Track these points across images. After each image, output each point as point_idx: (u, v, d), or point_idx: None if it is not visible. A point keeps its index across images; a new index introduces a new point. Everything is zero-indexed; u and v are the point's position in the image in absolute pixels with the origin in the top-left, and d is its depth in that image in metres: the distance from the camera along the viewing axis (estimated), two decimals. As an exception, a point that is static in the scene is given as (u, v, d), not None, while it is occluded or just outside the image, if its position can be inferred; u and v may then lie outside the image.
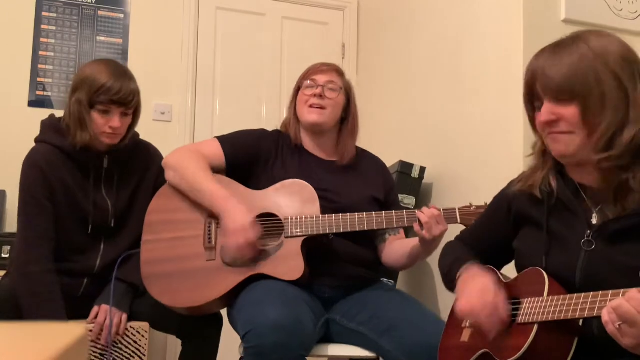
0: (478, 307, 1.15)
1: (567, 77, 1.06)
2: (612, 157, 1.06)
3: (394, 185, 1.98)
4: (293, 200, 1.70)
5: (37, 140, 1.80)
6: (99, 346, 1.71)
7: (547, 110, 1.09)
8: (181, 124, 3.16)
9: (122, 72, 1.75)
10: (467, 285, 1.23)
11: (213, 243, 1.70)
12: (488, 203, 1.62)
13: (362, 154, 1.95)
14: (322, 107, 1.82)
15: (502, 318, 1.14)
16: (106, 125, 1.71)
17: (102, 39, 3.09)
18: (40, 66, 2.98)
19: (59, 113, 1.85)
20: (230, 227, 1.63)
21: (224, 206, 1.66)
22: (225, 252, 1.67)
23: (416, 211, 1.64)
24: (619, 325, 0.91)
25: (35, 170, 1.71)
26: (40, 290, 1.67)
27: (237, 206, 1.65)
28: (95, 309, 1.73)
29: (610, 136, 1.05)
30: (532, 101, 1.15)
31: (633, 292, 0.90)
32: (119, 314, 1.72)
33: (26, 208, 1.72)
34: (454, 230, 1.64)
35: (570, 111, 1.07)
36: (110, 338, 1.69)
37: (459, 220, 1.64)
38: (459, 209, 1.65)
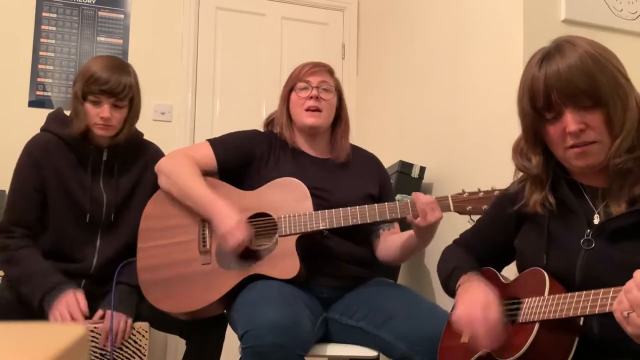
0: (478, 319, 1.13)
1: (590, 82, 1.04)
2: (634, 158, 1.05)
3: (388, 179, 1.98)
4: (286, 199, 1.70)
5: (41, 130, 1.83)
6: (99, 346, 1.71)
7: (576, 120, 1.06)
8: (181, 124, 3.16)
9: (116, 65, 1.77)
10: (467, 294, 1.21)
11: (208, 247, 1.70)
12: (481, 189, 1.62)
13: (355, 150, 1.95)
14: (318, 110, 1.82)
15: (499, 336, 1.12)
16: (97, 116, 1.73)
17: (102, 39, 3.09)
18: (40, 66, 2.98)
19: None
20: (220, 230, 1.64)
21: (212, 210, 1.67)
22: (223, 254, 1.68)
23: (412, 194, 1.63)
24: (628, 314, 0.90)
25: (29, 158, 1.75)
26: (20, 256, 1.71)
27: (226, 209, 1.65)
28: (99, 312, 1.72)
29: (632, 138, 1.05)
30: (542, 113, 1.10)
31: None
32: (125, 318, 1.71)
33: (12, 192, 1.77)
34: (448, 219, 1.64)
35: (595, 118, 1.06)
36: (112, 343, 1.68)
37: (452, 208, 1.63)
38: (451, 197, 1.64)
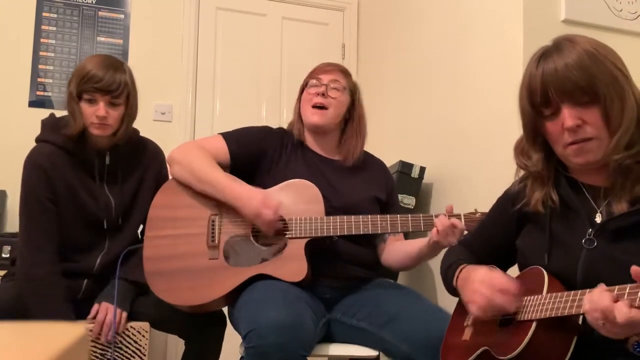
0: (487, 297, 1.14)
1: (587, 78, 1.05)
2: (633, 155, 1.05)
3: (395, 187, 1.99)
4: (298, 201, 1.70)
5: (37, 140, 1.80)
6: (99, 346, 1.71)
7: (573, 115, 1.06)
8: (181, 124, 3.16)
9: (110, 63, 1.75)
10: (467, 286, 1.22)
11: (216, 241, 1.70)
12: (484, 211, 1.62)
13: (366, 156, 1.95)
14: (324, 107, 1.82)
15: (512, 291, 1.13)
16: (93, 115, 1.72)
17: (103, 39, 3.10)
18: (40, 66, 2.98)
19: (59, 113, 1.86)
20: (252, 209, 1.64)
21: (235, 192, 1.67)
22: (231, 250, 1.68)
23: (433, 216, 1.64)
24: (603, 323, 0.92)
25: (37, 170, 1.71)
26: (46, 292, 1.67)
27: (248, 188, 1.68)
28: (95, 306, 1.73)
29: (630, 134, 1.05)
30: (541, 110, 1.11)
31: (621, 303, 0.90)
32: (119, 312, 1.72)
33: (29, 209, 1.72)
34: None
35: (593, 114, 1.06)
36: (112, 335, 1.69)
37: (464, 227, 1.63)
38: (464, 215, 1.64)
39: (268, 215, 1.62)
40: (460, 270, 1.29)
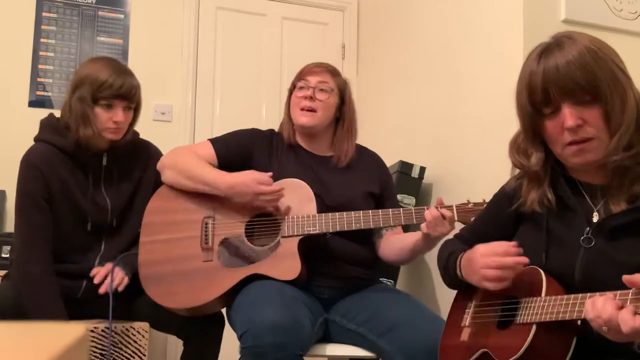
0: (497, 264, 1.13)
1: (588, 77, 1.04)
2: (632, 156, 1.05)
3: (391, 181, 1.98)
4: (289, 199, 1.70)
5: (36, 140, 1.80)
6: (99, 346, 1.71)
7: (573, 114, 1.05)
8: (181, 124, 3.16)
9: (122, 68, 1.78)
10: (472, 267, 1.20)
11: (210, 244, 1.70)
12: (486, 200, 1.62)
13: (361, 151, 1.95)
14: (312, 110, 1.82)
15: (514, 251, 1.13)
16: (110, 120, 1.73)
17: (102, 39, 3.10)
18: (40, 66, 2.98)
19: (59, 113, 1.86)
20: (249, 192, 1.67)
21: (227, 182, 1.69)
22: (225, 252, 1.68)
23: (425, 209, 1.63)
24: (607, 329, 0.93)
25: (32, 170, 1.71)
26: (39, 291, 1.67)
27: (237, 175, 1.70)
28: (97, 268, 1.75)
29: (630, 135, 1.05)
30: (541, 109, 1.10)
31: (626, 312, 0.90)
32: (121, 273, 1.74)
33: (23, 208, 1.72)
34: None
35: (593, 113, 1.05)
36: (112, 288, 1.70)
37: (455, 218, 1.63)
38: (456, 206, 1.64)
39: (267, 189, 1.65)
40: (461, 259, 1.29)
